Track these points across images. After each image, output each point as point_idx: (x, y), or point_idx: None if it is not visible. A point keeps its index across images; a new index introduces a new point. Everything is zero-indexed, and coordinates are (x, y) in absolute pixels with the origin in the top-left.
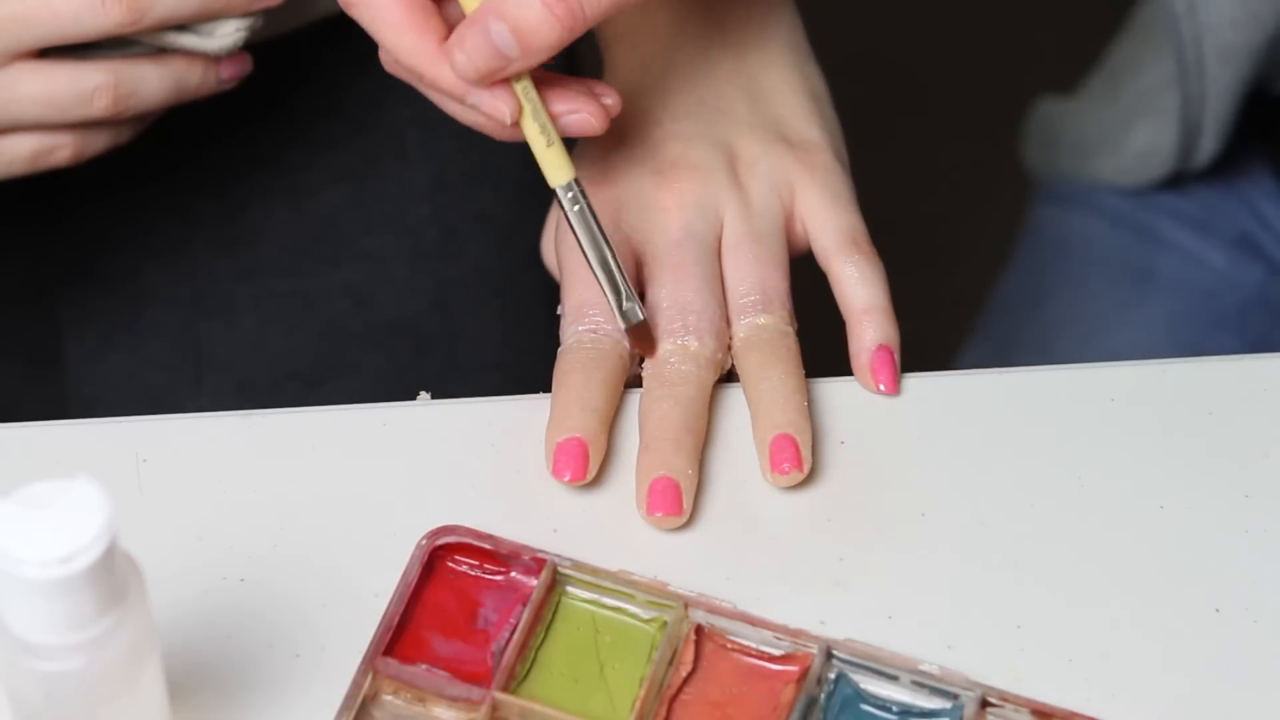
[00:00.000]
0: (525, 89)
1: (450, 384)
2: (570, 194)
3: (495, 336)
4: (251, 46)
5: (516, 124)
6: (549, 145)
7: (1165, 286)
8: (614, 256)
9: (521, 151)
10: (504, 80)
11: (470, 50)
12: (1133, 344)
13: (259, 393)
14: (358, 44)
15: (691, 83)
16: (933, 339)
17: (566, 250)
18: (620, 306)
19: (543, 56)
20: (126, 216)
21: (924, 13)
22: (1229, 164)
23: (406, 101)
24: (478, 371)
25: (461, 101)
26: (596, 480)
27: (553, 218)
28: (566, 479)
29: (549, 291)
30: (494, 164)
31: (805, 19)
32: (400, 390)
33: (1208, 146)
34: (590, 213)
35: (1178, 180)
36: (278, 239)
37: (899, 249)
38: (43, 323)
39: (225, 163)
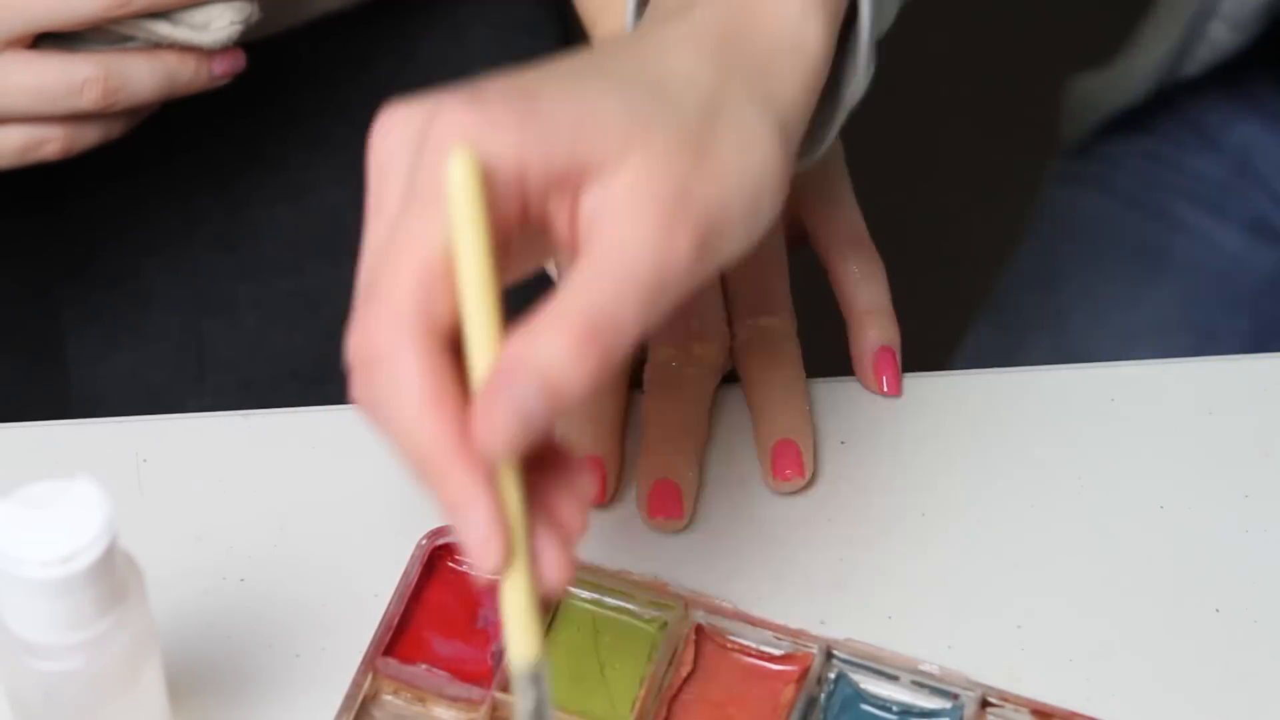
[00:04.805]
0: (517, 512)
1: None
2: (530, 678)
3: None
4: (253, 44)
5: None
6: (525, 610)
7: (1178, 268)
8: None
9: None
10: (501, 516)
11: (500, 418)
12: (1145, 325)
13: (261, 391)
14: (359, 42)
15: None
16: (938, 323)
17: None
18: None
19: (572, 407)
20: (128, 215)
21: (921, 8)
22: (1247, 144)
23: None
24: None
25: (446, 514)
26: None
27: None
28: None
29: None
30: None
31: None
32: None
33: (1217, 35)
34: (548, 711)
35: (1206, 133)
36: (279, 237)
37: (901, 240)
38: (44, 322)
39: (226, 161)
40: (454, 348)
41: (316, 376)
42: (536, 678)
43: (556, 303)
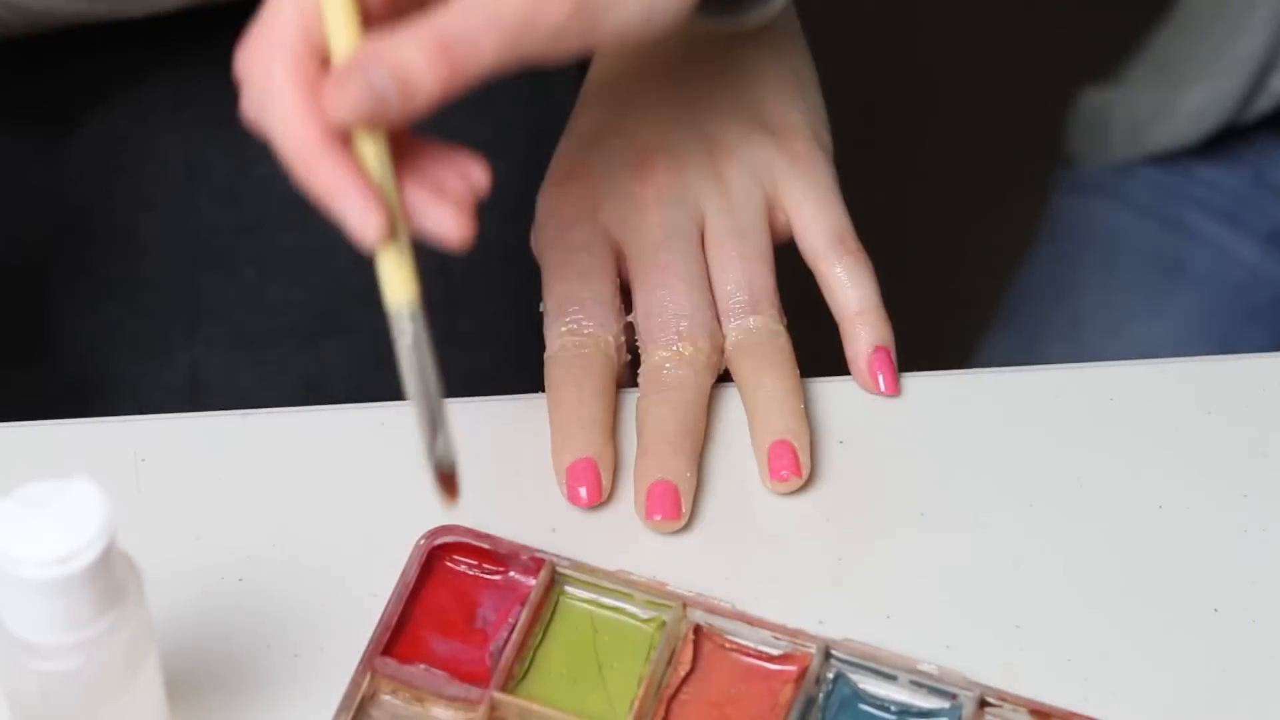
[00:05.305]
0: (387, 180)
1: (446, 351)
2: (404, 323)
3: (495, 306)
4: (255, 3)
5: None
6: (399, 255)
7: (1196, 279)
8: (440, 399)
9: (528, 127)
10: (375, 191)
11: (351, 91)
12: (1163, 336)
13: (255, 345)
14: None
15: (670, 65)
16: (952, 332)
17: (545, 245)
18: (433, 450)
19: (420, 109)
20: (128, 168)
21: (932, 10)
22: (1262, 156)
23: None
24: (475, 341)
25: (326, 206)
26: None
27: (541, 211)
28: (583, 500)
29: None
30: (501, 136)
31: (812, 21)
32: None
33: (1278, 86)
34: (426, 348)
35: (1221, 143)
36: (281, 192)
37: (911, 247)
38: (36, 271)
39: (230, 116)
40: (328, 64)
41: (313, 332)
42: (414, 315)
43: (417, 24)
